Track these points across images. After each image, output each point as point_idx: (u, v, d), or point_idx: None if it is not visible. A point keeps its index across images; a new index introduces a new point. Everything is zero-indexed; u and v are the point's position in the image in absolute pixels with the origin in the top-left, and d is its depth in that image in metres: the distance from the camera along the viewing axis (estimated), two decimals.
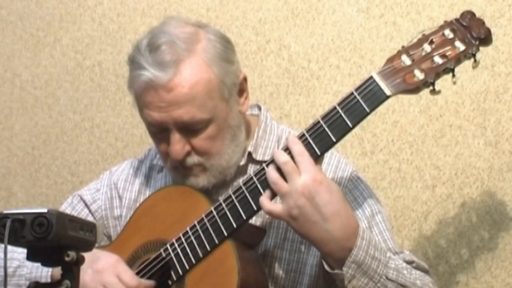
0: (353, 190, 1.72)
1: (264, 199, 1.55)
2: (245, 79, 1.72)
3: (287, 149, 1.56)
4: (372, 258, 1.52)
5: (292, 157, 1.53)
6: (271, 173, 1.55)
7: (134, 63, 1.65)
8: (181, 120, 1.62)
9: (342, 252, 1.51)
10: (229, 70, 1.67)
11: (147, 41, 1.65)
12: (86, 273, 1.57)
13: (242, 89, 1.72)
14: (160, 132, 1.67)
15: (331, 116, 1.56)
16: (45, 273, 1.68)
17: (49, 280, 1.66)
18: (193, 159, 1.67)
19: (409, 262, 1.64)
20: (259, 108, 1.83)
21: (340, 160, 1.77)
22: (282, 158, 1.54)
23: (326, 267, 1.54)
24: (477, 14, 1.57)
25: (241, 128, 1.72)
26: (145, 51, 1.63)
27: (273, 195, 1.56)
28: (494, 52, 2.12)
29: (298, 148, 1.54)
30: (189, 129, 1.64)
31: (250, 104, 1.79)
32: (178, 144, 1.64)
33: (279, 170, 1.54)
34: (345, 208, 1.53)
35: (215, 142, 1.66)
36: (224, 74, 1.66)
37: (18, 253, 1.65)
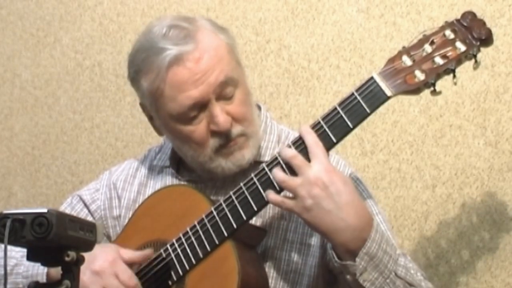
0: None
1: (271, 193, 1.56)
2: None
3: (296, 142, 1.56)
4: (384, 253, 1.52)
5: (300, 150, 1.54)
6: (278, 174, 1.55)
7: (151, 55, 1.65)
8: (219, 82, 1.63)
9: (356, 242, 1.50)
10: (231, 36, 1.72)
11: (152, 36, 1.66)
12: (84, 275, 1.56)
13: None
14: (195, 116, 1.66)
15: (331, 117, 1.56)
16: (41, 270, 1.67)
17: (45, 278, 1.66)
18: (236, 129, 1.66)
19: None
20: (259, 108, 1.83)
21: (339, 161, 1.77)
22: (290, 152, 1.55)
23: (336, 258, 1.54)
24: (477, 14, 1.57)
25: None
26: (159, 38, 1.64)
27: (277, 192, 1.56)
28: (494, 52, 2.12)
29: (313, 138, 1.55)
30: (225, 96, 1.65)
31: None
32: (222, 114, 1.65)
33: (283, 169, 1.55)
34: (358, 198, 1.53)
35: (247, 108, 1.69)
36: (230, 39, 1.71)
37: (15, 252, 1.65)
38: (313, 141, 1.54)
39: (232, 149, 1.67)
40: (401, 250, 1.70)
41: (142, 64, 1.68)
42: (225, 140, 1.66)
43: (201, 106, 1.65)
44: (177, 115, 1.67)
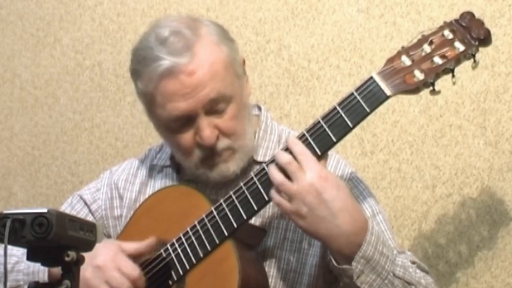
0: (353, 189, 1.72)
1: (274, 192, 1.56)
2: (244, 62, 1.75)
3: (287, 150, 1.56)
4: (380, 254, 1.52)
5: (294, 158, 1.54)
6: (276, 175, 1.54)
7: (146, 60, 1.65)
8: (209, 99, 1.63)
9: (351, 248, 1.51)
10: (234, 48, 1.71)
11: (153, 38, 1.65)
12: (86, 271, 1.56)
13: (244, 71, 1.74)
14: (183, 125, 1.66)
15: (331, 116, 1.57)
16: (42, 267, 1.67)
17: (46, 275, 1.66)
18: (223, 142, 1.66)
19: (411, 263, 1.65)
20: (259, 109, 1.84)
21: (339, 161, 1.77)
22: (285, 158, 1.54)
23: (333, 262, 1.54)
24: (477, 14, 1.58)
25: (251, 111, 1.74)
26: (156, 45, 1.64)
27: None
28: (494, 52, 2.12)
29: (299, 148, 1.54)
30: (215, 111, 1.65)
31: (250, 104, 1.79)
32: (208, 128, 1.64)
33: (281, 171, 1.54)
34: (352, 203, 1.53)
35: (238, 122, 1.68)
36: (233, 51, 1.69)
37: (16, 250, 1.64)
38: (300, 151, 1.54)
39: (217, 161, 1.68)
40: (401, 249, 1.70)
41: (139, 66, 1.68)
42: (210, 153, 1.67)
43: (189, 117, 1.65)
44: (165, 122, 1.68)
